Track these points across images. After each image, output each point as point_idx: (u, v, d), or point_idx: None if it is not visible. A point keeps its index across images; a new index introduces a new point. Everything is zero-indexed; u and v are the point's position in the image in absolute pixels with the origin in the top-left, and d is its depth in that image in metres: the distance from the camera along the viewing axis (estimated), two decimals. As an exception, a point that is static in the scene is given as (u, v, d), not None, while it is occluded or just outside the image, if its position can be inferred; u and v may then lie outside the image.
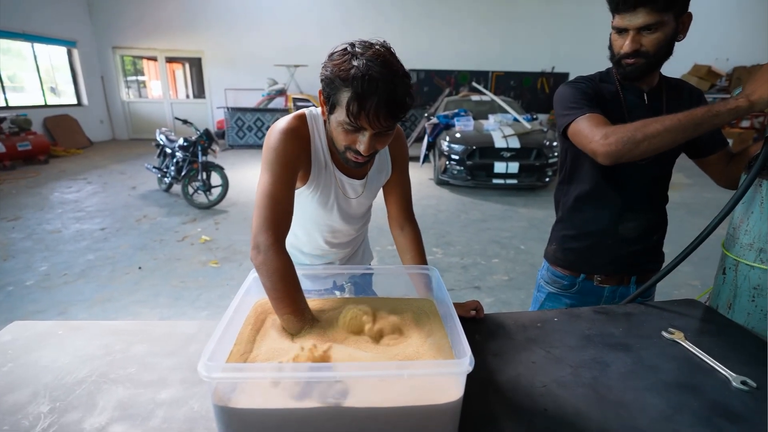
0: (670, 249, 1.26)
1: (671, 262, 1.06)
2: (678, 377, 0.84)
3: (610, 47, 1.12)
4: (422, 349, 0.73)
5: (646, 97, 1.15)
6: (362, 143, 0.85)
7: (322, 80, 0.85)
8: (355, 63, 0.78)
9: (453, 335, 0.72)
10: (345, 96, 0.79)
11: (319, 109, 0.97)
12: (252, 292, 0.87)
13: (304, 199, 1.05)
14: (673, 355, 0.91)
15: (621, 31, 1.07)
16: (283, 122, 0.95)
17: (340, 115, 0.83)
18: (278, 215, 0.88)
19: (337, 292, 1.16)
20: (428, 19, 10.44)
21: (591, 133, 1.05)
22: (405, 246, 1.15)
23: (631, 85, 1.15)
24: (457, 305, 1.03)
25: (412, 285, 0.97)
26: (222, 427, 0.61)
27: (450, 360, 0.65)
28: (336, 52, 0.83)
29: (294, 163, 0.94)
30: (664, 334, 0.98)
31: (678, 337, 0.96)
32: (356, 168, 0.96)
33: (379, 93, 0.77)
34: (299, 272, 0.88)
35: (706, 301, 1.16)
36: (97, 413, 0.73)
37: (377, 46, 0.81)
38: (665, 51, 1.05)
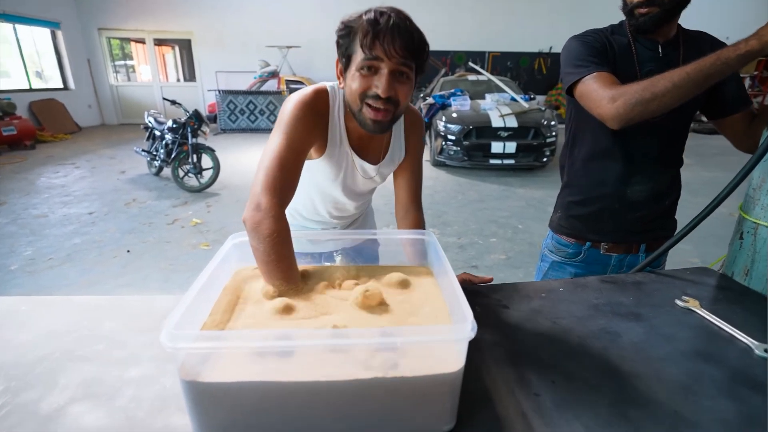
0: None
1: (685, 227, 0.99)
2: (695, 346, 0.78)
3: None
4: (417, 319, 0.66)
5: (660, 50, 1.06)
6: (380, 83, 0.81)
7: (337, 42, 0.85)
8: (367, 10, 0.81)
9: (452, 301, 0.64)
10: (359, 36, 0.80)
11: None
12: (231, 259, 0.79)
13: (315, 169, 1.01)
14: (689, 324, 0.85)
15: None
16: (304, 93, 0.92)
17: (355, 58, 0.82)
18: (285, 181, 0.84)
19: (326, 263, 1.09)
20: (423, -2, 10.17)
21: (598, 95, 0.97)
22: (404, 226, 1.10)
23: (645, 37, 1.06)
24: (465, 273, 0.97)
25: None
26: (191, 406, 0.53)
27: (449, 325, 0.57)
28: (346, 15, 0.84)
29: (309, 135, 0.91)
30: (678, 302, 0.91)
31: (693, 305, 0.90)
32: (375, 131, 0.89)
33: (393, 23, 0.78)
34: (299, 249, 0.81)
35: (719, 269, 1.09)
36: (57, 392, 0.65)
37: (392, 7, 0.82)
38: None
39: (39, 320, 0.84)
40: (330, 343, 0.50)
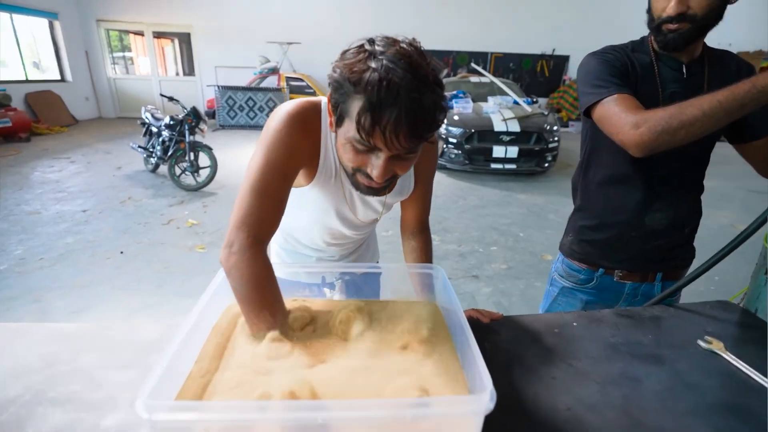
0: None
1: (710, 259, 0.93)
2: (723, 397, 0.72)
3: (649, 10, 0.96)
4: (426, 368, 0.60)
5: (684, 70, 1.00)
6: (375, 167, 0.66)
7: (330, 84, 0.66)
8: (372, 64, 0.60)
9: (465, 354, 0.58)
10: (356, 105, 0.62)
11: None
12: (222, 293, 0.72)
13: (304, 197, 0.89)
14: (714, 370, 0.79)
15: None
16: (293, 105, 0.78)
17: (349, 129, 0.65)
18: (264, 212, 0.72)
19: (327, 290, 1.02)
20: (426, -2, 10.09)
21: (619, 119, 0.91)
22: (410, 249, 1.01)
23: (668, 56, 1.00)
24: (473, 310, 0.89)
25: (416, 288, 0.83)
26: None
27: (466, 396, 0.51)
28: (350, 49, 0.65)
29: (296, 155, 0.77)
30: (701, 343, 0.85)
31: (717, 347, 0.84)
32: (369, 195, 0.76)
33: (399, 103, 0.59)
34: (285, 270, 0.74)
35: (740, 302, 1.04)
36: (24, 445, 0.59)
37: (403, 44, 0.63)
38: (715, 14, 0.89)
39: (9, 352, 0.78)
40: (325, 417, 0.43)
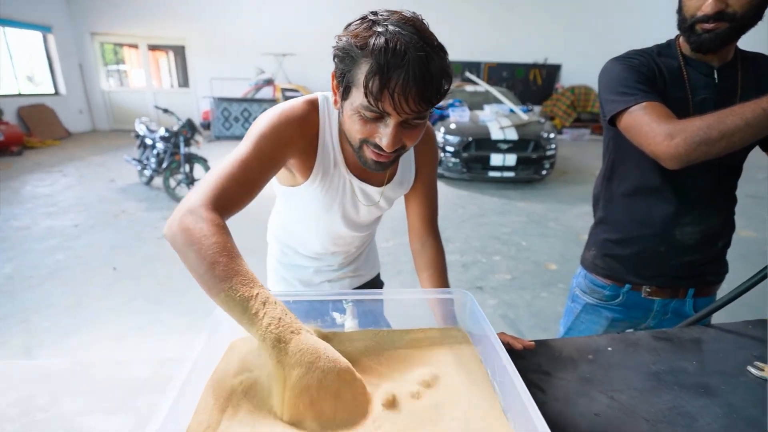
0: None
1: (756, 276, 0.85)
2: (789, 435, 0.64)
3: (680, 10, 0.90)
4: (465, 417, 0.51)
5: (716, 75, 0.93)
6: (385, 135, 0.65)
7: (334, 57, 0.66)
8: (377, 29, 0.61)
9: (511, 400, 0.50)
10: (363, 70, 0.61)
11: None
12: (222, 330, 0.63)
13: (304, 196, 0.86)
14: (773, 402, 0.71)
15: None
16: (289, 103, 0.78)
17: (356, 98, 0.64)
18: (234, 183, 0.65)
19: (336, 314, 0.94)
20: (419, 8, 10.05)
21: (651, 130, 0.84)
22: (423, 264, 0.95)
23: (698, 60, 0.94)
24: (503, 334, 0.79)
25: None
26: None
27: None
28: (353, 21, 0.66)
29: (284, 150, 0.74)
30: (751, 369, 0.78)
31: (770, 374, 0.76)
32: (377, 170, 0.74)
33: (407, 65, 0.58)
34: (289, 298, 0.66)
35: (781, 320, 0.96)
36: None
37: (405, 13, 0.64)
38: (755, 13, 0.83)
39: (-18, 396, 0.68)
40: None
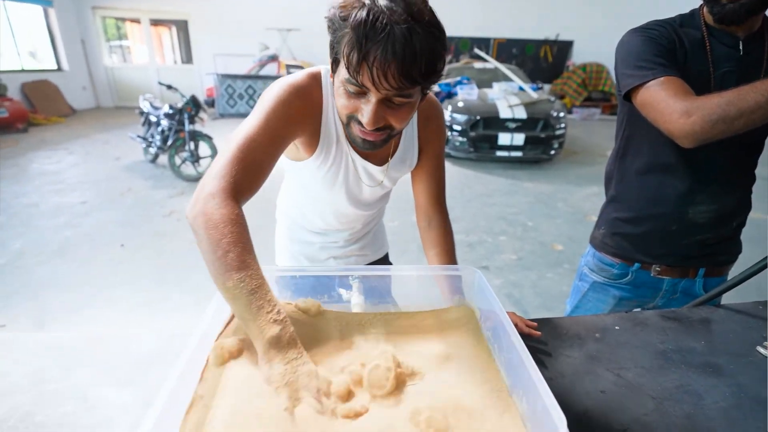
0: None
1: (762, 261, 0.84)
2: (797, 415, 0.64)
3: None
4: (466, 390, 0.51)
5: (741, 47, 0.89)
6: (366, 112, 0.64)
7: (327, 27, 0.64)
8: (365, 1, 0.58)
9: (519, 376, 0.49)
10: (345, 42, 0.60)
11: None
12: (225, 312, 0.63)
13: (307, 172, 0.86)
14: (782, 382, 0.71)
15: None
16: (293, 76, 0.76)
17: (341, 71, 0.63)
18: (247, 167, 0.65)
19: (342, 290, 0.94)
20: (429, -20, 9.83)
21: (667, 106, 0.81)
22: (430, 241, 0.94)
23: (722, 31, 0.89)
24: (509, 313, 0.78)
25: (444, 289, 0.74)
26: None
27: None
28: None
29: (293, 124, 0.73)
30: (760, 350, 0.77)
31: (780, 354, 0.75)
32: (365, 148, 0.72)
33: (387, 39, 0.56)
34: (296, 273, 0.66)
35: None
36: (7, 482, 0.51)
37: None
38: None
39: (-4, 367, 0.70)
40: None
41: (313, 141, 0.80)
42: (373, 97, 0.62)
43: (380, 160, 0.88)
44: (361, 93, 0.63)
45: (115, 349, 0.74)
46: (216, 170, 0.63)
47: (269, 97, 0.72)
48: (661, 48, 0.88)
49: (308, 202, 0.99)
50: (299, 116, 0.74)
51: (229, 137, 0.67)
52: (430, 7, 0.61)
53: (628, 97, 0.93)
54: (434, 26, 0.60)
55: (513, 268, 2.95)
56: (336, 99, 0.69)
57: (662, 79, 0.85)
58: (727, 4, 0.82)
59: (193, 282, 2.66)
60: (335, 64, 0.65)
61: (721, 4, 0.83)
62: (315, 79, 0.77)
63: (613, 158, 1.10)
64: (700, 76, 0.88)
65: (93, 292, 2.54)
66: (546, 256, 3.14)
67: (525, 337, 0.80)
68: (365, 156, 0.86)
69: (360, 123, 0.66)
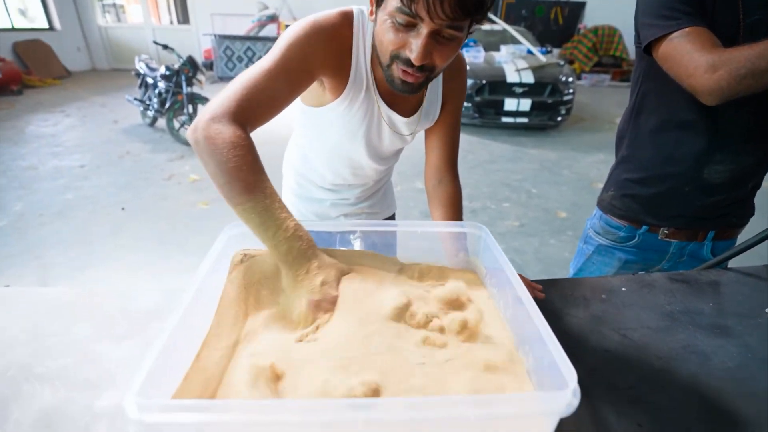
0: (757, 200, 1.01)
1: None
2: (805, 375, 0.63)
3: None
4: (474, 348, 0.50)
5: None
6: (415, 46, 0.61)
7: None
8: None
9: (525, 329, 0.48)
10: None
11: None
12: (227, 257, 0.61)
13: (329, 118, 0.82)
14: (790, 343, 0.69)
15: None
16: (320, 14, 0.71)
17: (389, 2, 0.60)
18: (256, 96, 0.63)
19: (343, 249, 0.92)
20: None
21: (692, 60, 0.76)
22: (438, 200, 0.91)
23: None
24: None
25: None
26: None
27: (543, 393, 0.41)
28: None
29: (316, 61, 0.70)
30: (770, 312, 0.76)
31: (790, 316, 0.74)
32: (404, 91, 0.69)
33: None
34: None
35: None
36: (9, 429, 0.51)
37: None
38: None
39: (-6, 320, 0.69)
40: (389, 418, 0.34)
41: (340, 83, 0.76)
42: (424, 29, 0.59)
43: (406, 111, 0.85)
44: (410, 25, 0.60)
45: (115, 305, 0.73)
46: (221, 96, 0.61)
47: (289, 34, 0.68)
48: None
49: (323, 154, 0.95)
50: (322, 55, 0.70)
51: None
52: None
53: (648, 49, 0.87)
54: None
55: (515, 235, 2.94)
56: (380, 36, 0.65)
57: (687, 29, 0.79)
58: None
59: (193, 244, 2.66)
60: None
61: None
62: (346, 18, 0.73)
63: (626, 117, 1.05)
64: (728, 25, 0.82)
65: (96, 252, 2.55)
66: (549, 223, 3.12)
67: (530, 297, 0.79)
68: (393, 106, 0.82)
69: (404, 62, 0.64)
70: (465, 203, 3.35)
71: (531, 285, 0.78)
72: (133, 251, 2.58)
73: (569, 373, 0.37)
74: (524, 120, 5.46)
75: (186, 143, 4.55)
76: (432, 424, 0.36)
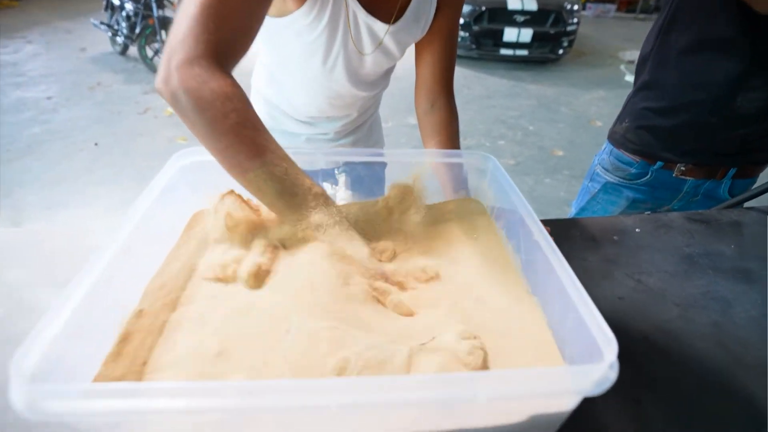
0: None
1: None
2: (835, 324, 0.57)
3: None
4: (482, 306, 0.41)
5: None
6: None
7: None
8: None
9: (547, 283, 0.39)
10: None
11: None
12: (176, 192, 0.51)
13: (293, 33, 0.66)
14: (819, 289, 0.63)
15: None
16: None
17: None
18: (225, 23, 0.47)
19: (327, 185, 0.81)
20: None
21: None
22: (431, 127, 0.78)
23: None
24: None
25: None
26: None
27: (571, 368, 0.32)
28: None
29: None
30: (796, 254, 0.69)
31: (819, 260, 0.67)
32: None
33: None
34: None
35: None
36: None
37: None
38: None
39: None
40: (342, 404, 0.25)
41: None
42: None
43: (390, 16, 0.68)
44: None
45: (57, 246, 0.63)
46: (181, 31, 0.45)
47: None
48: None
49: (293, 79, 0.79)
50: None
51: None
52: None
53: None
54: None
55: (510, 173, 2.75)
56: None
57: None
58: None
59: (175, 183, 2.53)
60: None
61: None
62: None
63: (653, 36, 0.90)
64: None
65: (71, 190, 2.41)
66: (545, 162, 3.02)
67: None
68: (372, 10, 0.66)
69: None
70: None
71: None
72: (109, 189, 2.44)
73: (607, 344, 0.28)
74: (524, 53, 5.14)
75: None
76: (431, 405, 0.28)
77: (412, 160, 0.55)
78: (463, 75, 4.91)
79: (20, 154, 2.75)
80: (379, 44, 0.71)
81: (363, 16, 0.66)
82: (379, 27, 0.68)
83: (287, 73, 0.79)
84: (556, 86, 4.69)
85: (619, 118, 1.01)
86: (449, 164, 0.59)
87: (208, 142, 0.46)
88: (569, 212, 1.20)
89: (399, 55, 0.77)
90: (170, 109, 3.45)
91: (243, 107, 0.45)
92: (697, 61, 0.84)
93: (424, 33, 0.75)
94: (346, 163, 0.77)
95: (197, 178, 0.51)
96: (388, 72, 0.84)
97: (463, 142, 3.02)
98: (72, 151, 2.83)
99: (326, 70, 0.73)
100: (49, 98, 3.63)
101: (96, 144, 2.92)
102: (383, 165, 0.65)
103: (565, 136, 3.45)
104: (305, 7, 0.61)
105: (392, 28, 0.69)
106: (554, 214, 2.40)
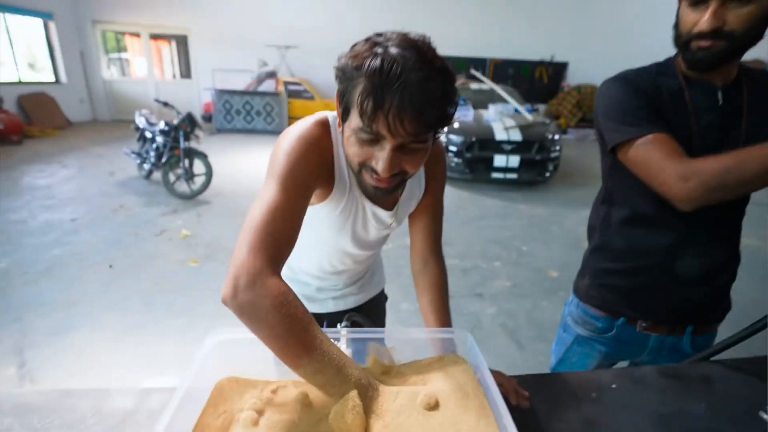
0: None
1: (757, 323, 0.81)
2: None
3: (677, 26, 0.84)
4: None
5: (720, 97, 0.87)
6: (380, 159, 0.63)
7: (336, 77, 0.64)
8: (377, 50, 0.59)
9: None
10: (359, 91, 0.60)
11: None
12: (210, 368, 0.60)
13: (315, 217, 0.83)
14: (786, 454, 0.68)
15: (698, 2, 0.78)
16: (301, 127, 0.73)
17: (353, 119, 0.63)
18: (279, 239, 0.62)
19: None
20: (425, 2, 10.03)
21: (660, 169, 0.80)
22: (424, 286, 0.92)
23: (699, 80, 0.87)
24: (498, 374, 0.77)
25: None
26: None
27: None
28: (358, 42, 0.64)
29: (311, 178, 0.71)
30: (763, 415, 0.74)
31: (783, 421, 0.73)
32: (378, 196, 0.73)
33: (403, 85, 0.56)
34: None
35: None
36: None
37: (411, 35, 0.62)
38: (755, 32, 0.77)
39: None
40: None
41: (326, 188, 0.78)
42: (387, 145, 0.62)
43: (390, 204, 0.87)
44: (374, 140, 0.63)
45: (85, 408, 0.70)
46: (252, 246, 0.59)
47: (282, 155, 0.68)
48: (646, 102, 0.86)
49: (310, 245, 0.94)
50: (315, 166, 0.72)
51: (250, 208, 0.64)
52: (437, 53, 0.62)
53: (613, 150, 0.91)
54: (445, 71, 0.61)
55: (507, 296, 2.92)
56: (346, 148, 0.68)
57: (650, 137, 0.83)
58: (698, 52, 0.80)
59: (180, 305, 2.61)
60: (345, 113, 0.65)
61: (692, 51, 0.81)
62: (323, 127, 0.75)
63: (596, 207, 1.07)
64: (681, 128, 0.85)
65: (79, 314, 2.48)
66: (541, 284, 3.12)
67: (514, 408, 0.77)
68: (376, 202, 0.84)
69: (372, 170, 0.66)
70: (456, 262, 3.38)
71: (518, 391, 0.76)
72: (119, 313, 2.51)
73: None
74: (514, 176, 5.61)
75: (180, 196, 4.59)
76: None
77: (406, 337, 0.65)
78: (458, 196, 5.29)
79: (37, 277, 2.88)
80: (386, 226, 0.88)
81: (370, 206, 0.84)
82: (382, 213, 0.85)
83: (305, 240, 0.94)
84: (546, 206, 5.02)
85: (581, 273, 1.12)
86: (438, 340, 0.70)
87: (266, 343, 0.56)
88: (550, 361, 1.26)
89: (398, 225, 0.93)
90: (185, 231, 3.70)
91: (294, 312, 0.56)
92: (637, 233, 0.98)
93: (415, 208, 0.92)
94: (349, 330, 0.88)
95: (228, 353, 0.61)
96: (387, 236, 1.00)
97: (460, 263, 3.16)
98: (87, 273, 2.96)
99: (337, 239, 0.89)
100: (73, 220, 3.90)
101: (111, 266, 3.07)
102: (384, 298, 0.76)
103: (558, 256, 3.60)
104: (325, 203, 0.79)
105: (392, 212, 0.86)
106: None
